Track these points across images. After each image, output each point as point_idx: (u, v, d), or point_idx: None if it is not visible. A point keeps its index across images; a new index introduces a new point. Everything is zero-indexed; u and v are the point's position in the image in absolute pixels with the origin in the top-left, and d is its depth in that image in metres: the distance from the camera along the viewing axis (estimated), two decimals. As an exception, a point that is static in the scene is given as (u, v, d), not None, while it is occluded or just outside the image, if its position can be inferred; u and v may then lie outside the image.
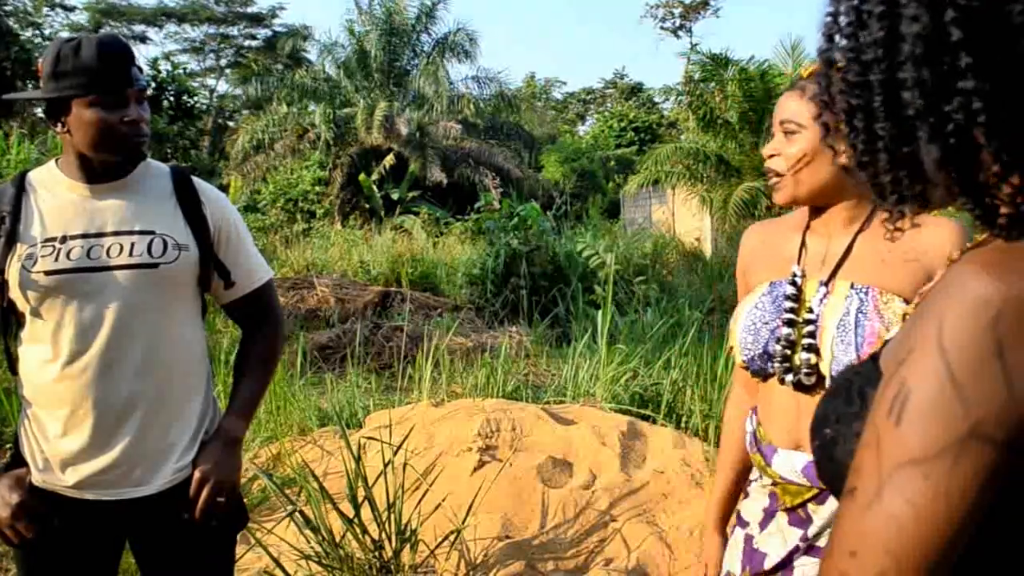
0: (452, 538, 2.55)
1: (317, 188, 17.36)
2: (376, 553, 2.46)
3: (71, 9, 23.87)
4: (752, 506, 1.34)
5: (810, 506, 1.23)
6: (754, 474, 1.38)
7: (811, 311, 1.22)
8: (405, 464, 2.80)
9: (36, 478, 1.46)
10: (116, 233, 1.45)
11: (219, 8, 28.31)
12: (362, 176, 17.36)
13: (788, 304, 1.24)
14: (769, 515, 1.29)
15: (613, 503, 2.87)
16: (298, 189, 17.14)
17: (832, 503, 1.21)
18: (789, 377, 1.23)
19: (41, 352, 1.43)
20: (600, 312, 5.00)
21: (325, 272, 9.54)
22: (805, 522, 1.24)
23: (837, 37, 0.59)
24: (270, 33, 28.77)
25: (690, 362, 4.40)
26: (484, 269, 8.21)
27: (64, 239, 1.42)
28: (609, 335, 4.72)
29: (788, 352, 1.23)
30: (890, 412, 0.53)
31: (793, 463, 1.23)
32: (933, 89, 0.53)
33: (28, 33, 19.48)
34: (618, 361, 4.54)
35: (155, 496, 1.48)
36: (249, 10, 28.82)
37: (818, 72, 0.62)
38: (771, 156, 1.27)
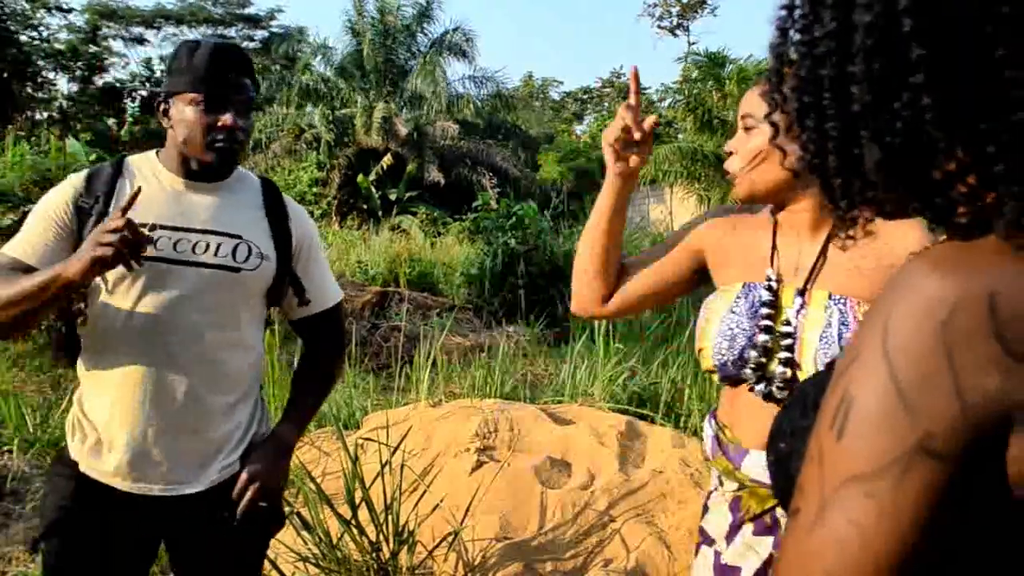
0: (450, 539, 2.54)
1: (315, 189, 17.34)
2: (374, 555, 2.45)
3: (68, 11, 23.82)
4: (715, 520, 1.30)
5: (778, 511, 1.20)
6: (713, 483, 1.34)
7: (788, 323, 1.18)
8: (403, 465, 2.79)
9: (85, 466, 1.46)
10: (204, 231, 1.47)
11: (217, 10, 28.26)
12: (360, 176, 17.36)
13: (765, 311, 1.20)
14: (734, 529, 1.25)
15: (612, 503, 2.86)
16: (296, 190, 17.12)
17: None
18: (760, 387, 1.18)
19: (109, 339, 1.43)
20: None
21: (323, 273, 9.51)
22: (772, 528, 1.20)
23: (791, 32, 0.56)
24: (267, 35, 28.75)
25: (688, 361, 4.40)
26: (482, 269, 8.20)
27: (153, 227, 1.42)
28: (607, 334, 4.71)
29: (763, 360, 1.18)
30: (832, 424, 0.49)
31: (766, 464, 1.20)
32: (883, 84, 0.50)
33: (25, 36, 19.47)
34: (616, 360, 4.54)
35: (200, 493, 1.49)
36: (247, 11, 28.79)
37: (770, 69, 0.59)
38: (729, 154, 1.24)
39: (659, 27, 33.15)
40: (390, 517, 2.50)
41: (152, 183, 1.49)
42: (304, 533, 2.45)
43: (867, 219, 0.57)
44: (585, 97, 39.43)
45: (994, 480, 0.46)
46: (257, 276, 1.51)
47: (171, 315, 1.43)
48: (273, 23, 28.80)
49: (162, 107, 1.49)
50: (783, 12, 0.56)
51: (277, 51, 24.00)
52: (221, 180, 1.53)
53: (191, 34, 28.80)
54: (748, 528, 1.24)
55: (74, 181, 1.46)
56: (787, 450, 0.63)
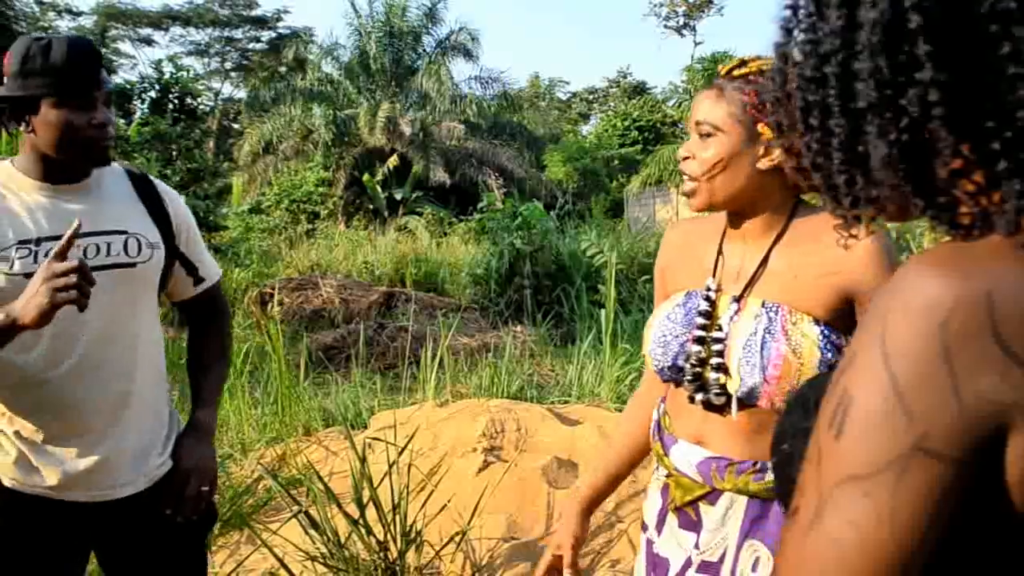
0: (457, 539, 2.55)
1: (321, 189, 17.39)
2: (381, 554, 2.45)
3: (78, 14, 23.97)
4: (649, 507, 1.33)
5: (701, 505, 1.21)
6: (653, 465, 1.36)
7: (720, 328, 1.18)
8: (410, 465, 2.80)
9: (9, 479, 1.43)
10: (91, 233, 1.43)
11: (223, 11, 28.39)
12: (366, 177, 17.40)
13: (700, 320, 1.20)
14: (662, 517, 1.28)
15: (619, 504, 2.86)
16: (302, 190, 17.17)
17: (722, 505, 1.19)
18: (699, 396, 1.19)
19: (22, 356, 1.40)
20: (604, 311, 4.99)
21: (330, 273, 9.55)
22: (696, 524, 1.22)
23: (795, 31, 0.56)
24: (274, 35, 28.85)
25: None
26: (488, 269, 8.21)
27: (38, 241, 1.39)
28: (613, 334, 4.71)
29: (699, 370, 1.19)
30: (830, 425, 0.49)
31: (690, 457, 1.21)
32: (889, 80, 0.50)
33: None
34: (623, 361, 4.53)
35: (135, 496, 1.48)
36: (253, 13, 28.90)
37: (773, 68, 0.59)
38: (685, 159, 1.20)
39: (665, 27, 33.12)
40: (397, 517, 2.51)
41: (21, 195, 1.42)
42: (312, 532, 2.46)
43: (870, 217, 0.57)
44: (591, 97, 39.40)
45: (992, 481, 0.46)
46: (151, 266, 1.51)
47: (82, 325, 1.40)
48: (280, 24, 28.89)
49: (17, 113, 1.39)
50: (787, 11, 0.56)
51: (286, 57, 24.10)
52: (87, 178, 1.47)
53: (198, 35, 28.94)
54: (673, 520, 1.25)
55: None
56: (789, 451, 0.63)
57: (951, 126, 0.49)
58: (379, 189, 17.58)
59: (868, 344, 0.49)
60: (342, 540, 2.47)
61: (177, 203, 1.61)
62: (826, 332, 1.11)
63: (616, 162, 22.66)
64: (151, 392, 1.52)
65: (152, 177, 1.61)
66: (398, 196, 17.76)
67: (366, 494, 2.52)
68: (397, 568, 2.47)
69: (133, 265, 1.47)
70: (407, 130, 18.09)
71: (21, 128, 1.41)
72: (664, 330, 1.24)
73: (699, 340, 1.19)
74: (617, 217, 18.35)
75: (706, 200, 1.20)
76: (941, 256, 0.49)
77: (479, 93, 20.39)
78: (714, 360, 1.17)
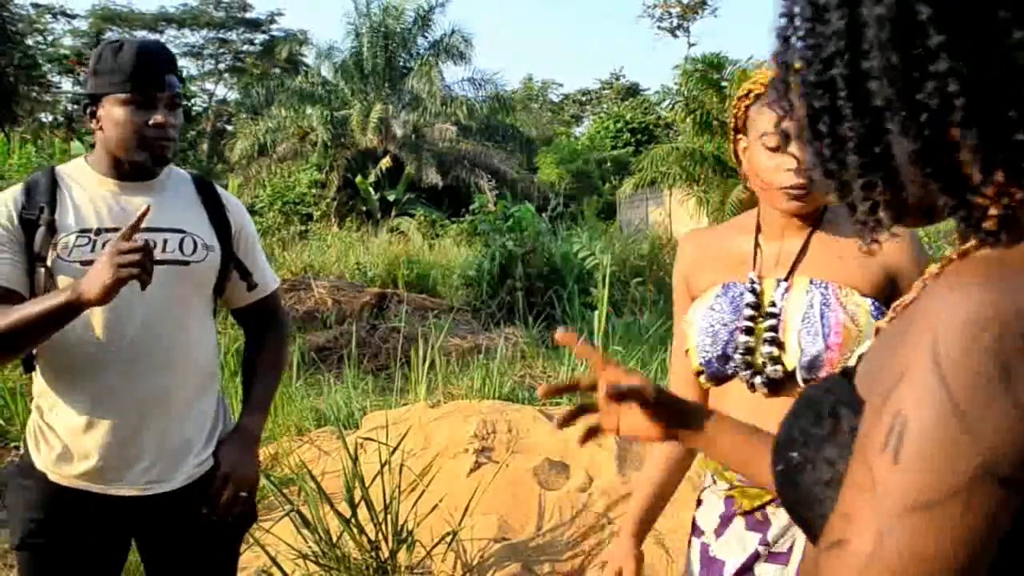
0: (448, 539, 2.56)
1: (314, 191, 17.38)
2: (373, 553, 2.47)
3: (73, 16, 23.93)
4: (707, 513, 1.32)
5: (769, 508, 1.21)
6: (706, 481, 1.35)
7: (773, 305, 1.21)
8: (402, 465, 2.81)
9: (54, 474, 1.46)
10: (149, 229, 1.46)
11: (218, 14, 28.36)
12: (359, 178, 17.39)
13: (748, 311, 1.21)
14: (725, 521, 1.27)
15: (610, 505, 2.88)
16: (295, 192, 17.15)
17: None
18: (758, 380, 1.20)
19: (68, 344, 1.44)
20: (596, 314, 5.02)
21: (322, 274, 9.54)
22: (763, 525, 1.22)
23: (792, 39, 0.54)
24: (268, 38, 28.83)
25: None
26: (480, 271, 8.22)
27: (99, 231, 1.45)
28: (605, 336, 4.73)
29: (748, 359, 1.20)
30: (885, 448, 0.46)
31: None
32: (903, 75, 0.48)
33: (31, 41, 19.57)
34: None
35: (173, 492, 1.50)
36: (248, 15, 28.87)
37: (775, 79, 0.56)
38: (796, 171, 1.19)
39: (659, 28, 33.23)
40: (389, 516, 2.52)
41: (88, 189, 1.50)
42: (304, 531, 2.47)
43: (891, 221, 0.55)
44: (584, 99, 39.41)
45: None
46: (206, 267, 1.54)
47: (129, 317, 1.44)
48: (273, 27, 28.88)
49: (89, 109, 1.48)
50: (783, 20, 0.55)
51: (279, 55, 24.06)
52: (152, 179, 1.54)
53: (192, 37, 28.90)
54: (740, 522, 1.25)
55: (13, 196, 1.46)
56: (799, 460, 0.59)
57: (971, 119, 0.47)
58: (372, 191, 17.57)
59: (917, 361, 0.46)
60: (334, 539, 2.48)
61: (238, 210, 1.66)
62: (876, 304, 1.15)
63: (608, 164, 22.70)
64: (192, 392, 1.54)
65: (218, 187, 1.67)
66: (391, 198, 17.76)
67: (358, 494, 2.53)
68: (388, 567, 2.48)
69: (187, 263, 1.51)
70: (399, 131, 18.11)
71: (92, 125, 1.49)
72: (711, 320, 1.25)
73: (748, 331, 1.21)
74: (609, 219, 18.39)
75: (816, 205, 1.23)
76: (983, 269, 0.48)
77: (471, 95, 20.42)
78: (767, 335, 1.19)
